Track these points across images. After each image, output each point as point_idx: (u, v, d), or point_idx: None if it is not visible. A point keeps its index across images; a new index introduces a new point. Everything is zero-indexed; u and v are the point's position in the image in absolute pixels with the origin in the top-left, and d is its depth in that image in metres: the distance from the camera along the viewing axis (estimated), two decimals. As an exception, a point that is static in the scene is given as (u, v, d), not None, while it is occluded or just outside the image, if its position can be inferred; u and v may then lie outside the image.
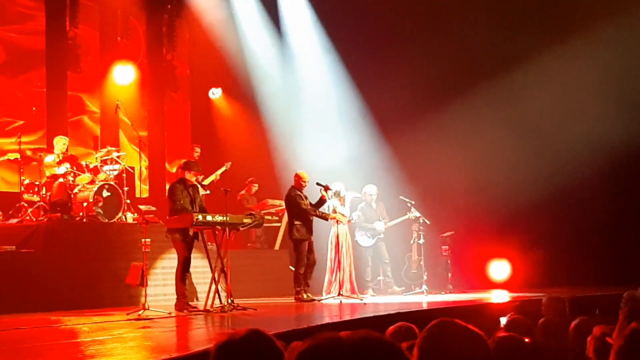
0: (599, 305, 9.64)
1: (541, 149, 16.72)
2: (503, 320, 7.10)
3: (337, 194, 14.20)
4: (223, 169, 15.96)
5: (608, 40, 16.41)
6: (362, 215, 15.34)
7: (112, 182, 13.68)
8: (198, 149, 16.04)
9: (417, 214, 15.13)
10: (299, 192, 13.56)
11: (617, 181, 16.70)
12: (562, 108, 16.68)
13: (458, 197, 17.38)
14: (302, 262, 13.39)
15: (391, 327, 5.17)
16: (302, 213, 13.43)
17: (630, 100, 16.18)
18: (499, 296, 14.21)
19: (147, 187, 17.84)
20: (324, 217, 13.65)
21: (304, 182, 13.65)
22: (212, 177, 15.68)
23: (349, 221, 14.51)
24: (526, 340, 4.00)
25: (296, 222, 13.50)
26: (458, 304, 12.18)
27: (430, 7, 17.37)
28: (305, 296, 13.24)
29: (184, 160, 12.75)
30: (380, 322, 8.50)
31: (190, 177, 11.73)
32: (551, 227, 17.05)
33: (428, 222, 15.24)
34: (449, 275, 15.65)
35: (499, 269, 17.25)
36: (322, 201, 13.52)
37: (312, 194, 13.74)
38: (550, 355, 5.36)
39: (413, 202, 15.25)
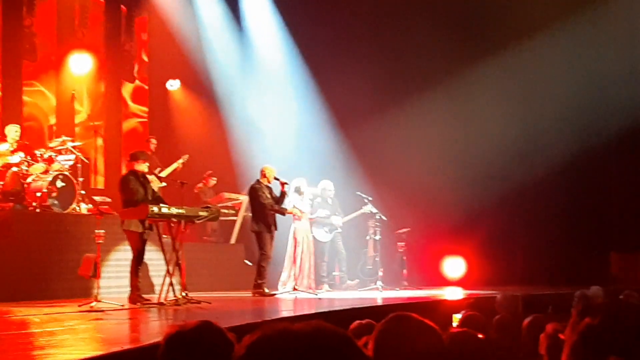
0: (551, 304, 9.71)
1: (495, 148, 16.81)
2: (457, 317, 7.14)
3: (297, 190, 14.21)
4: (180, 161, 15.84)
5: (567, 43, 16.56)
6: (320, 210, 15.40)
7: (66, 173, 13.54)
8: (154, 141, 15.94)
9: (374, 210, 15.17)
10: (262, 186, 13.52)
11: (570, 182, 16.85)
12: (517, 108, 16.84)
13: (414, 194, 17.42)
14: (266, 256, 13.32)
15: (353, 324, 5.19)
16: (263, 206, 13.40)
17: (584, 103, 16.31)
18: (453, 293, 14.27)
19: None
20: (282, 212, 13.62)
21: (269, 176, 13.57)
22: (169, 170, 15.55)
23: (311, 219, 14.53)
24: (480, 336, 4.01)
25: (257, 215, 13.49)
26: (413, 300, 12.21)
27: (390, 2, 17.42)
28: (266, 290, 13.20)
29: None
30: (335, 316, 8.50)
31: (139, 166, 11.58)
32: (505, 227, 17.18)
33: (385, 219, 15.28)
34: (404, 271, 15.69)
35: (454, 266, 17.36)
36: (283, 195, 13.50)
37: (274, 188, 13.71)
38: (503, 351, 5.39)
39: (370, 198, 15.29)
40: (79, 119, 16.84)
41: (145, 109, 19.05)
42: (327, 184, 15.51)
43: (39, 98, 16.54)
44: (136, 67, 18.83)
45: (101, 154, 17.46)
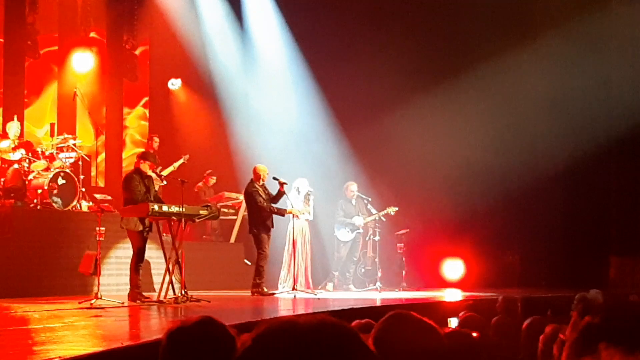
0: (550, 307, 9.71)
1: (497, 152, 16.81)
2: (453, 321, 7.15)
3: (297, 189, 14.24)
4: (181, 161, 15.86)
5: (567, 47, 16.57)
6: (341, 210, 15.38)
7: (67, 170, 13.56)
8: (157, 139, 15.93)
9: (374, 211, 15.17)
10: (257, 187, 13.48)
11: (570, 185, 16.86)
12: (517, 111, 16.83)
13: (414, 195, 17.42)
14: (265, 255, 13.32)
15: (352, 324, 5.17)
16: (261, 209, 13.38)
17: (584, 107, 16.32)
18: (452, 295, 14.28)
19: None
20: (280, 212, 13.60)
21: (263, 175, 13.57)
22: (170, 169, 15.57)
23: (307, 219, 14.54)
24: (474, 334, 4.03)
25: (254, 217, 13.47)
26: (411, 301, 12.22)
27: (390, 2, 17.47)
28: (265, 289, 13.21)
29: (142, 151, 12.66)
30: (334, 317, 8.49)
31: (145, 167, 11.63)
32: (505, 229, 17.18)
33: (384, 220, 15.29)
34: (403, 272, 15.67)
35: (453, 268, 17.35)
36: (280, 194, 13.47)
37: (271, 187, 13.71)
38: (502, 352, 5.41)
39: (370, 199, 15.30)
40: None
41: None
42: (351, 185, 15.49)
43: (41, 95, 16.59)
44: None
45: (102, 152, 17.49)
